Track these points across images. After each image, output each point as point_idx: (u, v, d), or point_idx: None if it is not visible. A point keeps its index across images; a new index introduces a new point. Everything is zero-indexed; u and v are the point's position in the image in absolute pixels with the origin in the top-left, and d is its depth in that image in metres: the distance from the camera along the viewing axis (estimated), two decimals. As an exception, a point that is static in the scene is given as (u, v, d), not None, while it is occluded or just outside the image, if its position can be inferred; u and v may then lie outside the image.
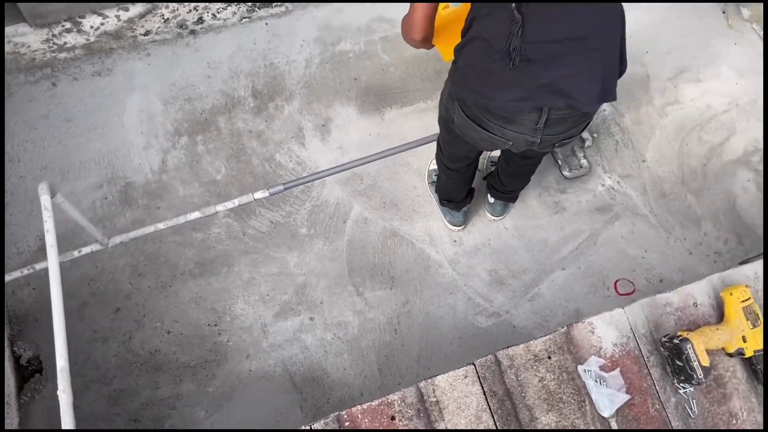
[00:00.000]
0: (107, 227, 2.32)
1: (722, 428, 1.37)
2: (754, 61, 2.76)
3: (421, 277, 2.32)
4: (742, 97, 2.66)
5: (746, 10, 2.85)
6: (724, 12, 2.87)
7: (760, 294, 1.39)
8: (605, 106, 2.64)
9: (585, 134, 2.55)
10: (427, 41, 1.65)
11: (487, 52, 1.37)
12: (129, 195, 2.38)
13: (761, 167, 2.51)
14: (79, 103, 2.49)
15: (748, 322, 1.31)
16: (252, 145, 2.51)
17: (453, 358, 2.19)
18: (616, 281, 2.31)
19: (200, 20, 2.63)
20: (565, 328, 1.39)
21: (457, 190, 2.18)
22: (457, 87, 1.49)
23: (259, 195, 2.04)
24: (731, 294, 1.33)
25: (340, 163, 2.43)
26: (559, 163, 2.52)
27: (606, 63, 1.38)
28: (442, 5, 1.95)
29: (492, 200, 2.34)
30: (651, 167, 2.52)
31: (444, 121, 1.70)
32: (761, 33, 2.80)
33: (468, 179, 2.13)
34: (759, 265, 1.41)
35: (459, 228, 2.39)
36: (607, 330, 1.39)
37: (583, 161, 2.51)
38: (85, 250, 1.97)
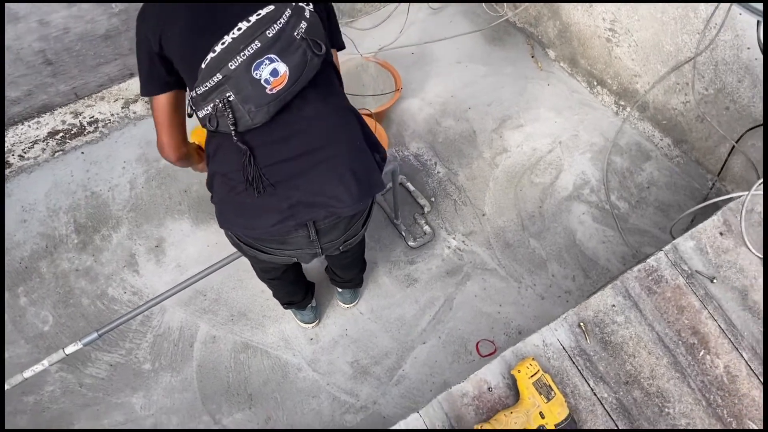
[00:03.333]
0: (-74, 412, 2.09)
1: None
2: (567, 97, 2.88)
3: (280, 387, 2.19)
4: (563, 134, 2.75)
5: (552, 51, 2.99)
6: (533, 56, 3.00)
7: (553, 361, 1.35)
8: (439, 168, 2.66)
9: (423, 200, 2.55)
10: (188, 158, 1.52)
11: (231, 186, 1.32)
12: (-55, 371, 2.16)
13: (593, 198, 2.57)
14: None
15: (542, 396, 1.26)
16: (80, 285, 2.35)
17: (325, 467, 2.06)
18: (477, 343, 2.27)
19: (7, 164, 2.49)
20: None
21: (291, 292, 2.09)
22: (221, 222, 1.42)
23: (70, 349, 1.87)
24: (519, 371, 1.28)
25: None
26: (404, 234, 2.49)
27: (354, 162, 1.35)
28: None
29: (340, 289, 2.28)
30: (491, 220, 2.54)
31: (235, 245, 1.62)
32: (570, 70, 2.93)
33: (295, 280, 2.05)
34: (547, 331, 1.38)
35: (312, 324, 2.30)
36: (413, 437, 1.30)
37: (426, 227, 2.51)
38: None
